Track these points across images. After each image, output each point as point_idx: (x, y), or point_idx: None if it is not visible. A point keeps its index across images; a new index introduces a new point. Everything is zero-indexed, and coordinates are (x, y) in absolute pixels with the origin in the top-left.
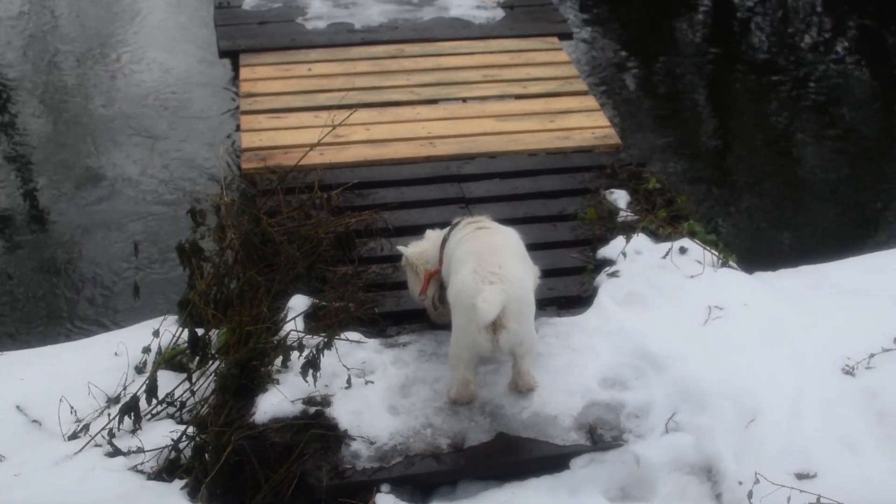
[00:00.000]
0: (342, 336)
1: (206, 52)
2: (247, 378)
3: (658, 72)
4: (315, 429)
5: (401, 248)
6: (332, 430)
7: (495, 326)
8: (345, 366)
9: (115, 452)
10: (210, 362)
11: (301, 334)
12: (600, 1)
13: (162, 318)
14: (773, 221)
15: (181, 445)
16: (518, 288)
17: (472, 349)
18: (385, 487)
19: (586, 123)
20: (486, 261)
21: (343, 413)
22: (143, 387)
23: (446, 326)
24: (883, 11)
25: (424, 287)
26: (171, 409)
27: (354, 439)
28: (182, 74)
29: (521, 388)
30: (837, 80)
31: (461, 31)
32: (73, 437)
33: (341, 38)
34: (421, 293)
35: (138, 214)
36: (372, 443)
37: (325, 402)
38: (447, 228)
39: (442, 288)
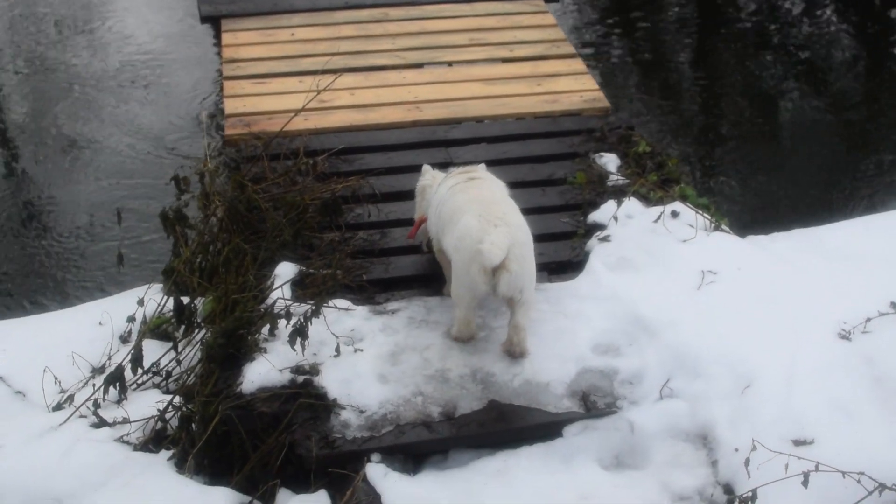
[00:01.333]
0: (330, 304)
1: (186, 15)
2: (233, 347)
3: (643, 35)
4: (303, 398)
5: (427, 167)
6: (320, 400)
7: (496, 268)
8: (333, 334)
9: (101, 423)
10: (196, 331)
11: (288, 302)
12: None
13: (146, 286)
14: (761, 183)
15: (167, 416)
16: (522, 232)
17: (472, 290)
18: (375, 457)
19: (574, 87)
20: (490, 209)
21: (332, 382)
22: (129, 356)
23: (437, 290)
24: None
25: (414, 232)
26: (157, 379)
27: (344, 408)
28: (161, 38)
29: (514, 346)
30: (823, 43)
31: None
32: (58, 408)
33: (324, 2)
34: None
35: (118, 180)
36: (362, 412)
37: (314, 370)
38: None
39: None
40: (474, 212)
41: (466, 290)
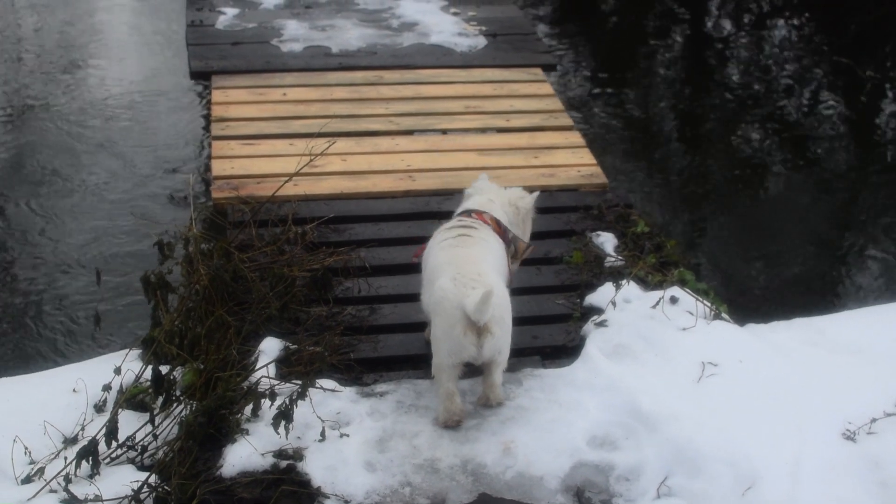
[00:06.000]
0: (316, 384)
1: (176, 71)
2: (214, 428)
3: (635, 107)
4: (286, 485)
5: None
6: (304, 487)
7: (480, 331)
8: (319, 417)
9: (72, 501)
10: (175, 404)
11: (273, 381)
12: (572, 33)
13: (125, 352)
14: (756, 265)
15: (142, 495)
16: (499, 294)
17: (454, 356)
18: None
19: (572, 160)
20: (464, 269)
21: (316, 468)
22: (103, 429)
23: (427, 373)
24: (858, 48)
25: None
26: (132, 454)
27: (328, 497)
28: (151, 94)
29: (492, 401)
30: (815, 118)
31: (442, 58)
32: (27, 480)
33: (318, 62)
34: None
35: (98, 238)
36: (347, 501)
37: (298, 455)
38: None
39: None
40: (449, 274)
41: (447, 355)
